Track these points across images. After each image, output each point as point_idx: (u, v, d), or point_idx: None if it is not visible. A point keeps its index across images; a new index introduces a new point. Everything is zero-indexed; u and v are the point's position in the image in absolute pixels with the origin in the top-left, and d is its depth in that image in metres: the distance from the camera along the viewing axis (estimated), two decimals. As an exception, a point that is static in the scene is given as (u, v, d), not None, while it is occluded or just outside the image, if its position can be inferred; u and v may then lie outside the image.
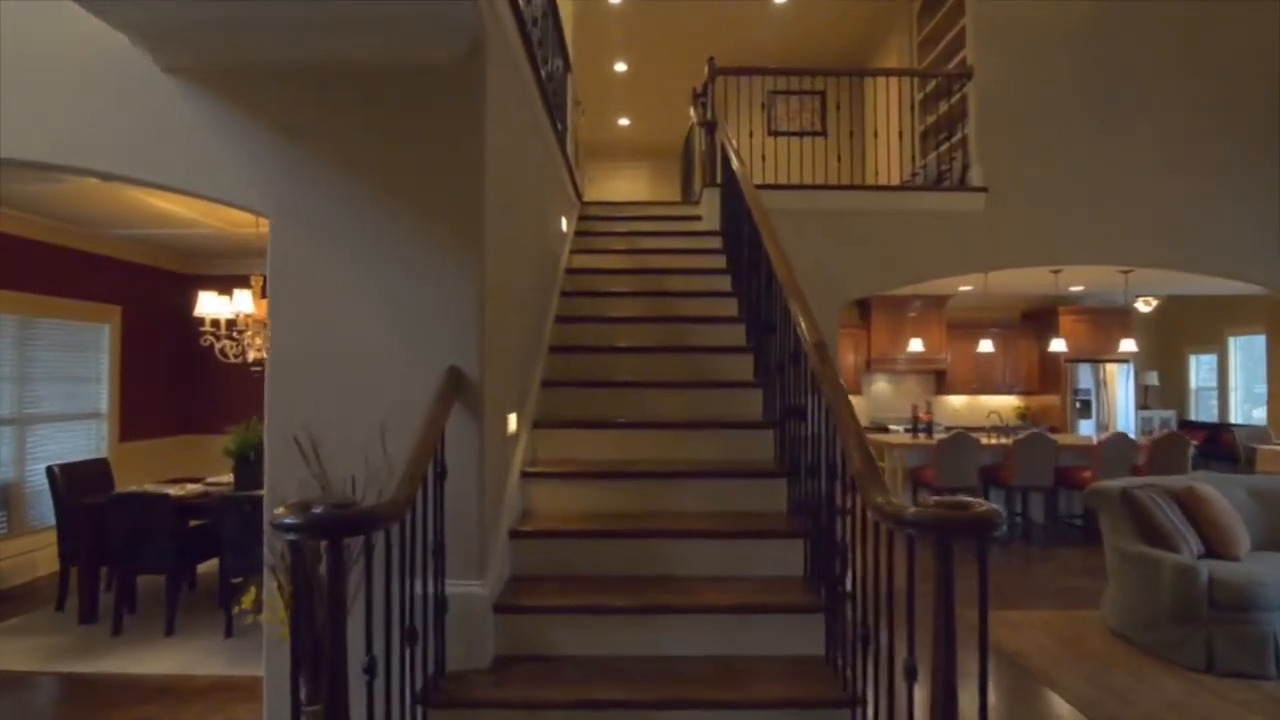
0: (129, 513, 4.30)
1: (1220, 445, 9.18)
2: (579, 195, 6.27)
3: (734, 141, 4.92)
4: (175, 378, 7.19)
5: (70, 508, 4.64)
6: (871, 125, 7.14)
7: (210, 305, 4.64)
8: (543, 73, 4.01)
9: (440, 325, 2.47)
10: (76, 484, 4.79)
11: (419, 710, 2.14)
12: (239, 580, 3.04)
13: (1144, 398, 10.13)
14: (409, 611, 2.06)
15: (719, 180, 5.63)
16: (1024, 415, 9.87)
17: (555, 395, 3.77)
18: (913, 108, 6.31)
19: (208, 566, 4.97)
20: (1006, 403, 9.81)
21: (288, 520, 1.61)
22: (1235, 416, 9.86)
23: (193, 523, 4.65)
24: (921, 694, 1.68)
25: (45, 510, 5.32)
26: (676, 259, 5.18)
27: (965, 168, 5.77)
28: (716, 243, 5.38)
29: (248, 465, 4.46)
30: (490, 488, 2.60)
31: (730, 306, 4.56)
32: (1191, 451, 6.94)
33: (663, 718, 2.24)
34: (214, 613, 4.40)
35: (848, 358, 9.44)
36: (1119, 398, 9.57)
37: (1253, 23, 5.84)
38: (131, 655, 3.97)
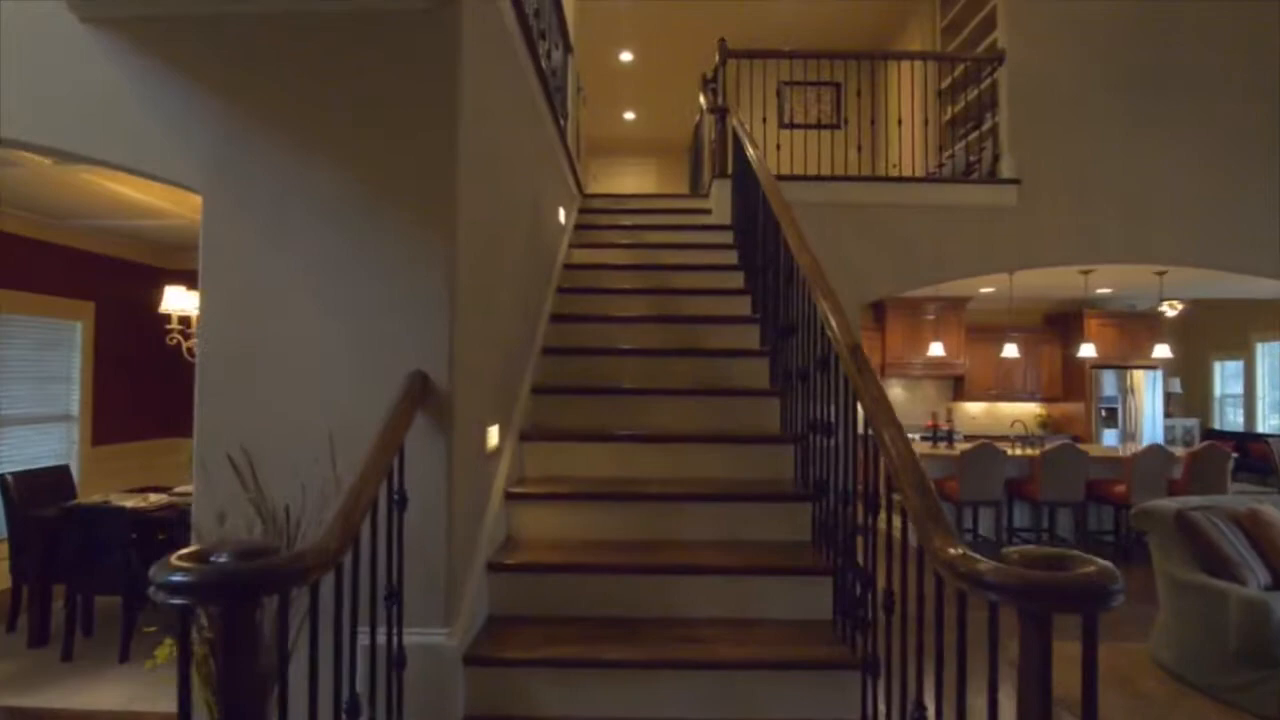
0: (83, 526, 3.92)
1: (1252, 456, 8.73)
2: (580, 187, 5.87)
3: (747, 126, 4.52)
4: (152, 378, 6.81)
5: (22, 520, 4.26)
6: (895, 113, 6.72)
7: (176, 301, 4.27)
8: (539, 47, 3.62)
9: (404, 323, 2.07)
10: (33, 493, 4.41)
11: (366, 794, 1.75)
12: (153, 629, 2.63)
13: (1166, 405, 9.69)
14: (352, 674, 1.66)
15: (730, 171, 5.23)
16: (1045, 424, 9.43)
17: (548, 403, 3.37)
18: (940, 93, 5.89)
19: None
20: (1027, 410, 9.37)
21: (174, 579, 1.21)
22: (1261, 425, 9.41)
23: (160, 536, 4.27)
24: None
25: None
26: (684, 254, 4.79)
27: (996, 158, 5.35)
28: (727, 237, 4.98)
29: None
30: (462, 516, 2.20)
31: (743, 305, 4.16)
32: (1231, 464, 6.51)
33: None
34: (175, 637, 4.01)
35: (861, 362, 9.01)
36: (1146, 406, 9.12)
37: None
38: (79, 685, 3.58)
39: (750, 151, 4.03)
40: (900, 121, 5.43)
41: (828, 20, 7.82)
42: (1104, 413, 9.01)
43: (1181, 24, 5.38)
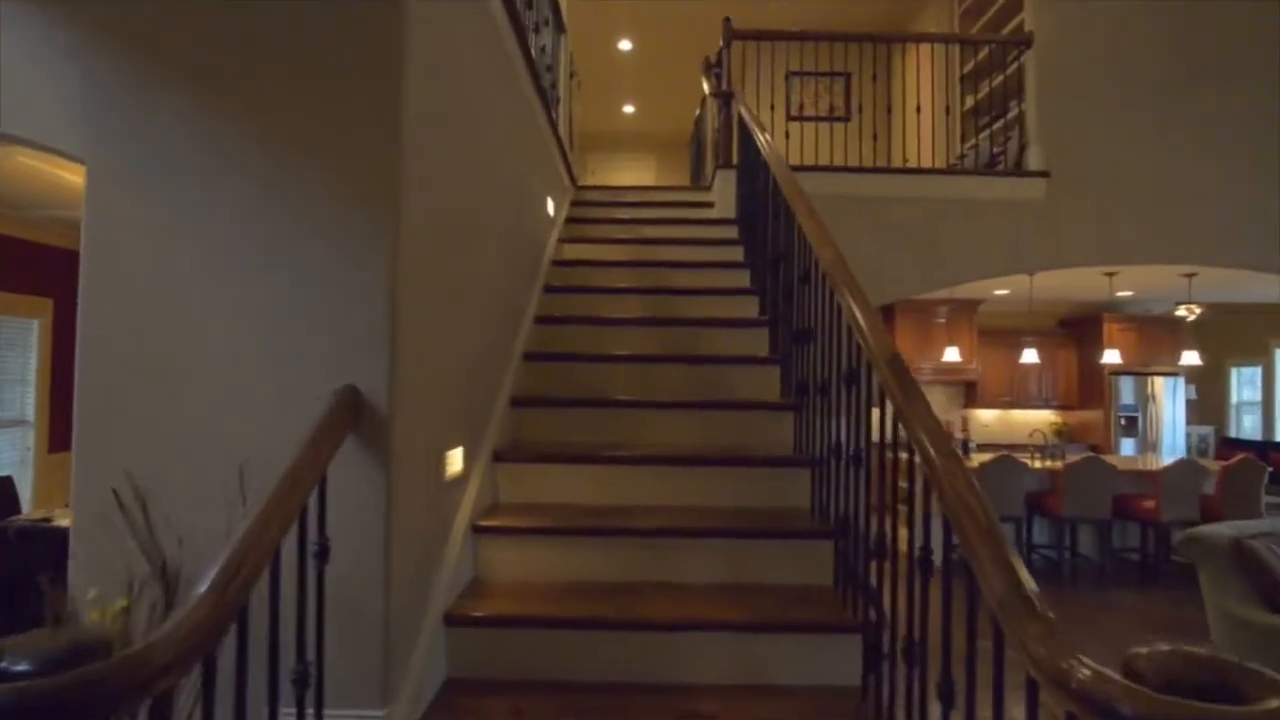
0: (5, 549, 3.50)
1: (1271, 463, 8.33)
2: (573, 178, 5.46)
3: (754, 111, 4.10)
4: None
5: (-50, 540, 3.85)
6: (910, 102, 6.30)
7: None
8: (523, 15, 3.21)
9: (332, 327, 1.66)
10: (-34, 509, 4.01)
11: None
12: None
13: (1187, 413, 9.28)
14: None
15: (735, 160, 4.82)
16: (1061, 432, 9.01)
17: (528, 417, 2.96)
18: (960, 80, 5.48)
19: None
20: (1042, 418, 8.95)
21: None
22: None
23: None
24: None
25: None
26: (684, 250, 4.38)
27: (1023, 148, 4.94)
28: (731, 232, 4.57)
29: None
30: (410, 562, 1.79)
31: (749, 306, 3.75)
32: (1266, 479, 6.11)
33: None
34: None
35: (869, 366, 8.60)
36: (1166, 414, 8.70)
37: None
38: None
39: (760, 137, 3.62)
40: (919, 109, 5.02)
41: (837, 5, 7.40)
42: (1123, 421, 8.59)
43: (1221, 9, 4.98)
